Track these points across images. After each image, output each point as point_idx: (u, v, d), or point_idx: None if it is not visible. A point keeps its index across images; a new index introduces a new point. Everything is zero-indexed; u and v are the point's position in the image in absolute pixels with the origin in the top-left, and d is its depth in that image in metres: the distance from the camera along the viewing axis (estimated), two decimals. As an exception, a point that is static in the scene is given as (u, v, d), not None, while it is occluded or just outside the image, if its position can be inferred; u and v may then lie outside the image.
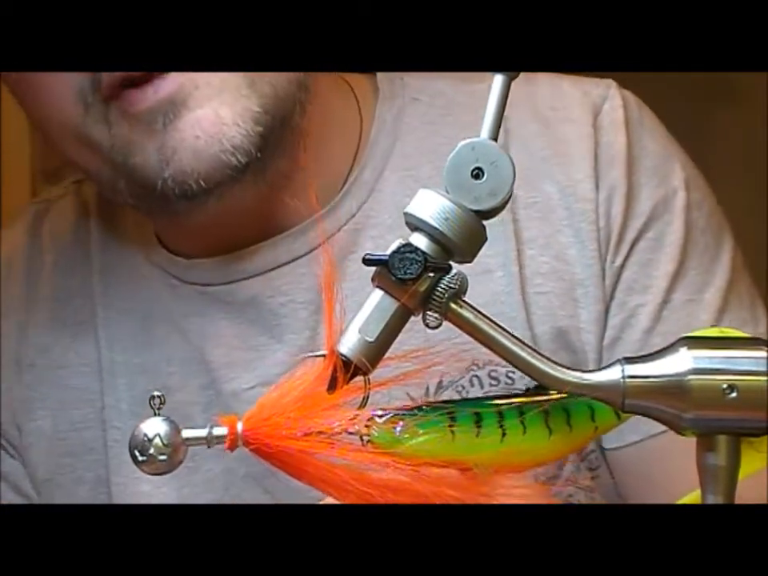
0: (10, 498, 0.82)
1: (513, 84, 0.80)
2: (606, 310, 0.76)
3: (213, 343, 0.79)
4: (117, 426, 0.80)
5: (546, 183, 0.77)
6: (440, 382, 0.73)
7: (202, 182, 0.70)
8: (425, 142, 0.79)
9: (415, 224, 0.50)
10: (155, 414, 0.50)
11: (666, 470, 0.74)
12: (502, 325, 0.51)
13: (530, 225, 0.77)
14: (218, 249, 0.78)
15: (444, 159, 0.77)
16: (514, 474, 0.52)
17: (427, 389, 0.73)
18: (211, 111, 0.69)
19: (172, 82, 0.68)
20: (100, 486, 0.81)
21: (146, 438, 0.49)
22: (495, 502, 0.51)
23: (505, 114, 0.78)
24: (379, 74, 0.83)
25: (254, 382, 0.77)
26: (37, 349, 0.82)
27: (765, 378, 0.48)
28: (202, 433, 0.50)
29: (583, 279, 0.76)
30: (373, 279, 0.50)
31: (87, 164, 0.74)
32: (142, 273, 0.81)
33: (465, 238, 0.50)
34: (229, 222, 0.75)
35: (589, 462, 0.78)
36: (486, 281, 0.75)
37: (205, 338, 0.79)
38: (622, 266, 0.77)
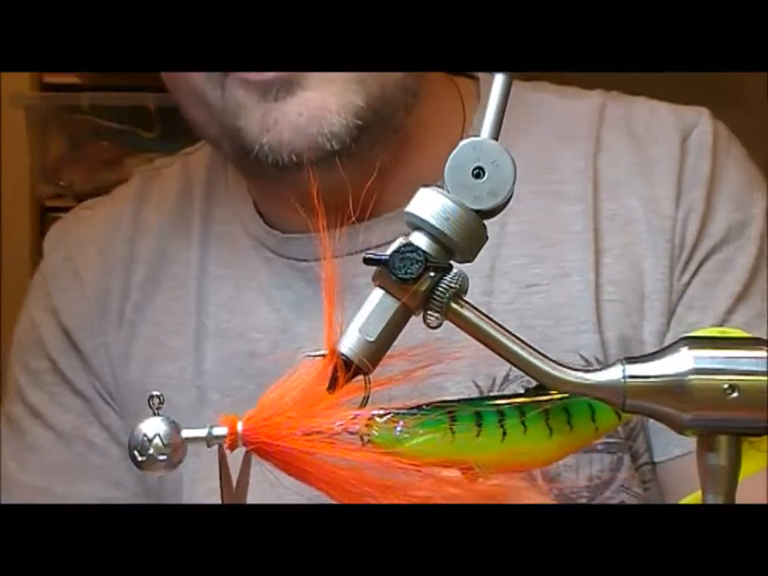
0: (113, 451, 0.85)
1: (611, 102, 0.84)
2: (668, 325, 0.79)
3: (299, 316, 0.82)
4: (198, 386, 0.82)
5: (629, 197, 0.80)
6: (506, 375, 0.76)
7: (294, 156, 0.74)
8: (520, 149, 0.81)
9: (416, 223, 0.50)
10: (154, 414, 0.50)
11: None
12: (504, 325, 0.51)
13: (609, 235, 0.80)
14: (312, 226, 0.80)
15: (539, 168, 0.82)
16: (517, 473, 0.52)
17: (494, 380, 0.76)
18: (319, 96, 0.73)
19: None
20: None
21: (145, 438, 0.49)
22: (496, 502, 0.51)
23: (600, 126, 0.82)
24: (482, 79, 0.86)
25: None
26: (134, 306, 0.86)
27: (766, 378, 0.48)
28: (202, 433, 0.50)
29: (652, 293, 0.79)
30: (373, 279, 0.50)
31: (199, 121, 0.79)
32: (238, 243, 0.85)
33: (465, 238, 0.50)
34: (321, 201, 0.76)
35: (642, 474, 0.79)
36: (563, 283, 0.79)
37: (293, 311, 0.82)
38: (688, 283, 0.79)
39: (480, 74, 0.86)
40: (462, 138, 0.79)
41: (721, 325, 0.78)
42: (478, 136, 0.51)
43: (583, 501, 0.77)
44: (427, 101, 0.81)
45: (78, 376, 0.86)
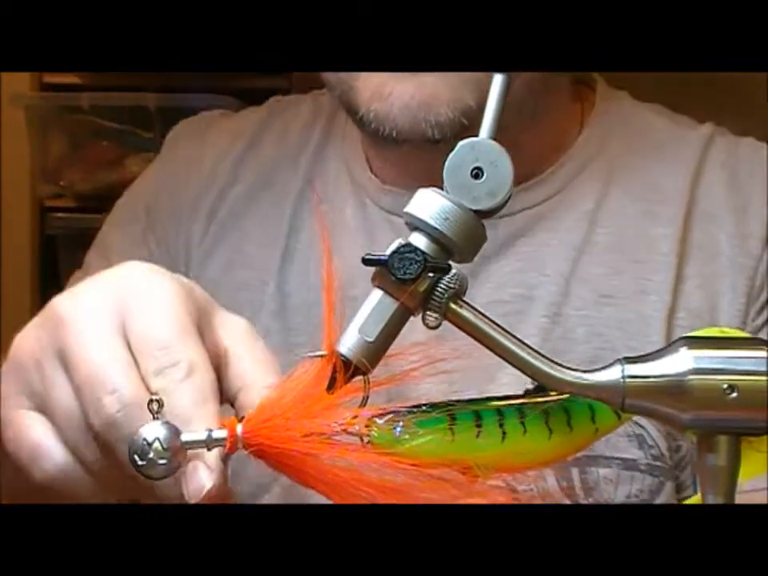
0: None
1: (719, 136, 0.86)
2: None
3: None
4: (279, 303, 0.86)
5: (719, 230, 0.82)
6: None
7: (394, 132, 0.76)
8: (626, 165, 0.86)
9: (415, 224, 0.50)
10: (154, 418, 0.50)
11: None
12: (501, 324, 0.50)
13: (693, 263, 0.81)
14: (414, 186, 0.82)
15: (638, 186, 0.83)
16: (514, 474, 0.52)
17: None
18: (435, 84, 0.75)
19: None
20: None
21: (145, 443, 0.49)
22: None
23: (704, 157, 0.84)
24: (600, 88, 0.89)
25: None
26: (230, 210, 0.91)
27: (765, 378, 0.48)
28: (202, 436, 0.50)
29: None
30: (373, 279, 0.50)
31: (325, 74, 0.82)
32: (341, 184, 0.89)
33: (464, 238, 0.50)
34: (419, 172, 0.77)
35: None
36: (639, 300, 0.81)
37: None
38: (762, 326, 0.81)
39: (599, 100, 0.89)
40: (577, 137, 0.84)
41: None
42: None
43: None
44: (543, 122, 0.84)
45: (157, 236, 0.93)
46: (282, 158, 0.92)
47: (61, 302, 0.56)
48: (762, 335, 0.80)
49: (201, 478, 0.51)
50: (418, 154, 0.77)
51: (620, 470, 0.77)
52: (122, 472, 0.52)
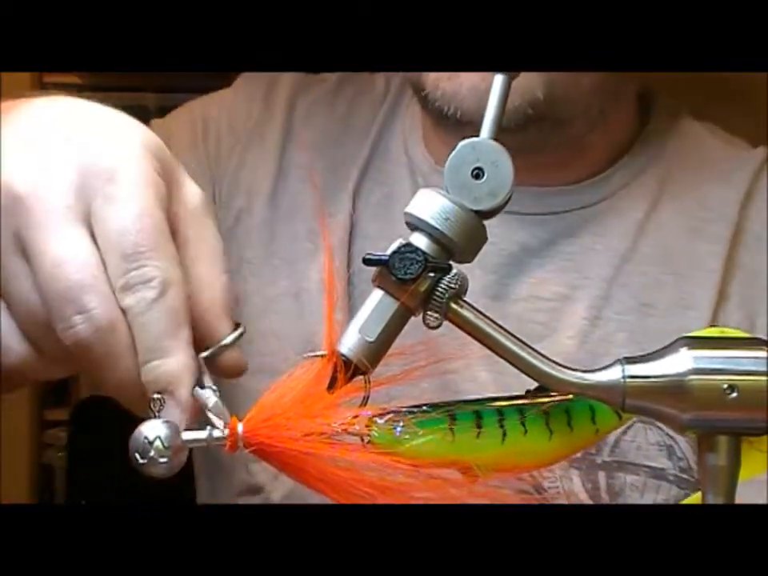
0: None
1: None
2: None
3: None
4: (349, 280, 0.84)
5: (762, 253, 0.82)
6: None
7: (459, 113, 0.76)
8: (677, 181, 0.86)
9: (415, 224, 0.50)
10: (155, 416, 0.50)
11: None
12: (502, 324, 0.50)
13: (736, 282, 0.82)
14: None
15: (689, 202, 0.84)
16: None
17: None
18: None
19: None
20: None
21: (146, 441, 0.49)
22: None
23: (757, 179, 0.85)
24: (660, 98, 0.90)
25: None
26: (296, 152, 0.90)
27: (765, 378, 0.48)
28: (203, 434, 0.50)
29: None
30: (373, 279, 0.50)
31: None
32: (399, 159, 0.89)
33: (465, 238, 0.50)
34: None
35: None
36: (680, 314, 0.81)
37: None
38: None
39: (658, 110, 0.90)
40: (632, 142, 0.85)
41: None
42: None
43: None
44: (604, 126, 0.84)
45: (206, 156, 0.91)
46: (334, 139, 0.92)
47: (17, 175, 0.51)
48: None
49: (173, 416, 0.50)
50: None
51: (647, 478, 0.78)
52: (87, 365, 0.51)
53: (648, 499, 0.77)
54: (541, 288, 0.83)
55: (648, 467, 0.78)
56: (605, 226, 0.84)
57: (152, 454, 0.49)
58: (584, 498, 0.75)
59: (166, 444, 0.49)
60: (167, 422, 0.49)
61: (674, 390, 0.49)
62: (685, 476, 0.78)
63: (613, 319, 0.80)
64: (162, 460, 0.49)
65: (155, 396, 0.50)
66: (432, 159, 0.88)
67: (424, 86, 0.78)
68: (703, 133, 0.90)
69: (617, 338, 0.80)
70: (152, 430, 0.49)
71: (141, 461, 0.49)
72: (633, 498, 0.77)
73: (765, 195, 0.85)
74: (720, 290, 0.81)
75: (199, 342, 0.53)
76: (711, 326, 0.80)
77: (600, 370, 0.50)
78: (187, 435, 0.50)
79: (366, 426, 0.50)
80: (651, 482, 0.78)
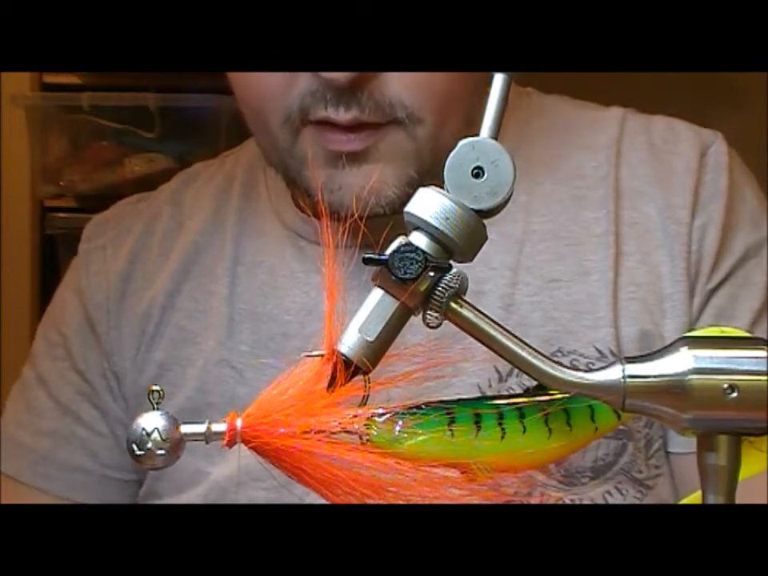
0: (99, 428, 0.92)
1: (630, 115, 0.87)
2: (690, 325, 0.83)
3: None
4: (234, 366, 0.87)
5: (648, 206, 0.85)
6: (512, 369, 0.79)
7: (350, 215, 0.76)
8: (545, 155, 0.88)
9: (415, 223, 0.50)
10: (154, 408, 0.50)
11: None
12: (502, 324, 0.50)
13: (629, 240, 0.84)
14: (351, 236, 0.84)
15: (564, 173, 0.85)
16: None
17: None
18: (380, 169, 0.78)
19: (366, 139, 0.77)
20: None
21: (144, 433, 0.49)
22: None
23: (620, 138, 0.86)
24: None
25: None
26: (165, 292, 0.91)
27: (765, 378, 0.48)
28: (201, 428, 0.50)
29: (671, 294, 0.83)
30: (373, 279, 0.50)
31: (265, 147, 0.84)
32: (274, 234, 0.90)
33: (465, 238, 0.50)
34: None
35: (656, 460, 0.82)
36: (583, 281, 0.83)
37: (320, 293, 0.85)
38: (714, 291, 0.84)
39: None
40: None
41: None
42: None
43: (586, 480, 0.80)
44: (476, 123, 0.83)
45: (85, 354, 0.92)
46: (203, 229, 0.93)
47: None
48: (717, 301, 0.83)
49: None
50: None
51: None
52: None
53: (590, 457, 0.80)
54: None
55: None
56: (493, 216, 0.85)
57: (149, 445, 0.49)
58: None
59: (163, 436, 0.49)
60: (165, 413, 0.49)
61: (674, 389, 0.49)
62: (620, 426, 0.79)
63: (525, 302, 0.82)
64: (160, 452, 0.49)
65: (154, 387, 0.50)
66: (315, 221, 0.87)
67: (308, 193, 0.80)
68: (557, 104, 0.91)
69: (533, 319, 0.82)
70: (150, 421, 0.49)
71: (138, 452, 0.49)
72: (575, 459, 0.79)
73: (633, 150, 0.86)
74: (616, 250, 0.83)
75: None
76: (711, 326, 0.80)
77: (600, 369, 0.50)
78: (186, 428, 0.50)
79: (366, 425, 0.50)
80: None
